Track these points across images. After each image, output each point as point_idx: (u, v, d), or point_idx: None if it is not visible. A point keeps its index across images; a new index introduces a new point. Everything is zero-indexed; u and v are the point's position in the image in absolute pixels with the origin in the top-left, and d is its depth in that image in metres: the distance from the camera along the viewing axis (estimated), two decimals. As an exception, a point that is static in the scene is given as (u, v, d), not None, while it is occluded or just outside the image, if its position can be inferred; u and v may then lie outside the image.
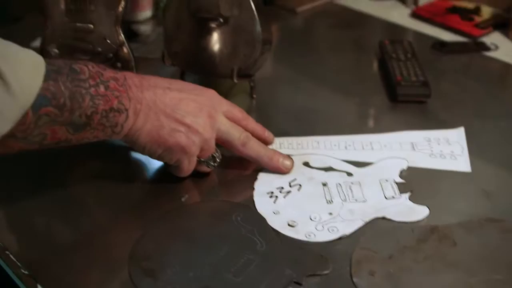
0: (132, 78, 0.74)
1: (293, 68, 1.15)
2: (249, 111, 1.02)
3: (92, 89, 0.68)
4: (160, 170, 0.85)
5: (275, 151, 0.84)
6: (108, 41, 0.88)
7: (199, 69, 1.01)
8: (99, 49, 0.88)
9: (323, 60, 1.18)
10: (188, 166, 0.79)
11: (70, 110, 0.66)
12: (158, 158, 0.78)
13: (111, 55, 0.88)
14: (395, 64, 1.08)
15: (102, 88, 0.69)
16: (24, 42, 1.20)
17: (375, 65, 1.15)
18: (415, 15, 1.34)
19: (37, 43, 1.22)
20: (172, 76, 1.07)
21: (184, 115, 0.76)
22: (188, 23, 0.99)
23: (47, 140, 0.67)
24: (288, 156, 0.84)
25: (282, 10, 1.37)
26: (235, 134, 0.81)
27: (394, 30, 1.30)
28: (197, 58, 1.00)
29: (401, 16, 1.34)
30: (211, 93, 0.82)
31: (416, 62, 1.09)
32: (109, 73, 0.71)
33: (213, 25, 0.97)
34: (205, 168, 0.82)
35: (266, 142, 0.86)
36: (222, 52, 0.97)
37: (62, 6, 0.88)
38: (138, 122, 0.73)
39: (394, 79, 1.04)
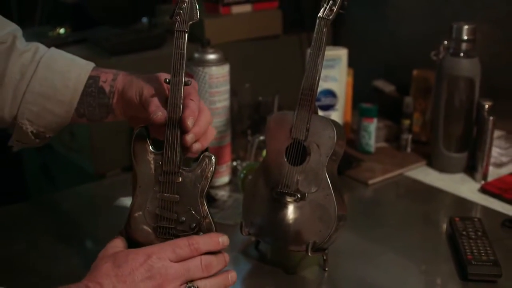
0: None
1: (365, 241, 1.18)
2: (320, 284, 1.05)
3: None
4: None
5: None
6: (193, 211, 0.92)
7: (274, 241, 1.05)
8: (183, 218, 0.93)
9: (394, 234, 1.21)
10: None
11: None
12: None
13: (194, 225, 0.92)
14: (466, 242, 1.10)
15: None
16: (108, 199, 1.30)
17: (445, 240, 1.17)
18: (484, 190, 1.36)
19: (119, 202, 1.30)
20: (248, 245, 1.13)
21: None
22: (266, 195, 1.05)
23: None
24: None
25: (354, 181, 1.42)
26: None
27: (463, 205, 1.32)
28: (272, 230, 1.04)
29: (470, 191, 1.37)
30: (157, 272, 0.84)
31: (486, 240, 1.10)
32: None
33: (290, 199, 1.02)
34: None
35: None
36: (298, 226, 1.02)
37: (152, 176, 0.94)
38: None
39: (464, 258, 1.05)
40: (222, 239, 0.89)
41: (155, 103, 0.90)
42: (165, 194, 0.93)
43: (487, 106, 1.40)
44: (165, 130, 0.90)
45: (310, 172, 1.01)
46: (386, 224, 1.26)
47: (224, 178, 1.39)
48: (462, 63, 1.40)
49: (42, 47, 1.02)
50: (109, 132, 1.48)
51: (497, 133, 1.45)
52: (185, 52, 0.90)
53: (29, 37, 1.05)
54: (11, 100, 0.98)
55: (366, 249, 1.15)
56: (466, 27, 1.38)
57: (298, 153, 1.02)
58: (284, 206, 1.03)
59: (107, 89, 0.99)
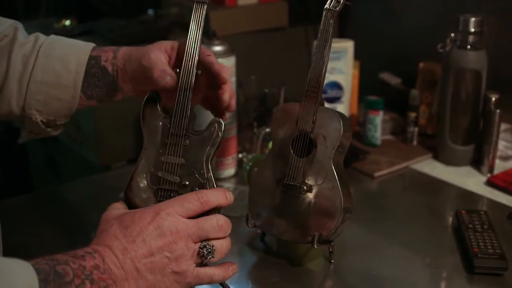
0: (109, 256, 0.76)
1: (371, 233, 1.18)
2: (326, 277, 1.05)
3: None
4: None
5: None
6: (197, 175, 0.90)
7: (280, 233, 1.05)
8: (186, 182, 0.89)
9: (400, 227, 1.20)
10: None
11: None
12: None
13: (197, 189, 0.88)
14: (472, 235, 1.09)
15: (88, 284, 0.72)
16: (113, 191, 1.29)
17: (450, 233, 1.16)
18: (491, 183, 1.36)
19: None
20: (253, 237, 1.13)
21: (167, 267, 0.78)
22: (272, 187, 1.05)
23: None
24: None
25: (360, 173, 1.42)
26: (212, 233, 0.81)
27: (469, 198, 1.32)
28: (278, 222, 1.04)
29: (476, 184, 1.37)
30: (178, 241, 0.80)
31: (493, 233, 1.10)
32: (89, 261, 0.73)
33: (296, 192, 1.02)
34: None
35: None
36: (304, 218, 1.01)
37: (159, 138, 0.91)
38: None
39: (470, 251, 1.05)
40: (229, 195, 0.85)
41: (158, 68, 0.89)
42: (170, 157, 0.90)
43: (493, 98, 1.39)
44: (175, 96, 0.89)
45: (316, 164, 1.01)
46: (392, 216, 1.25)
47: (230, 170, 1.39)
48: (469, 56, 1.39)
49: (42, 36, 1.01)
50: (114, 124, 1.48)
51: (503, 126, 1.44)
52: (203, 22, 0.89)
53: (34, 29, 1.04)
54: (17, 92, 0.98)
55: (372, 241, 1.15)
56: (473, 19, 1.38)
57: (305, 145, 1.02)
58: (290, 198, 1.02)
59: (109, 68, 0.98)
